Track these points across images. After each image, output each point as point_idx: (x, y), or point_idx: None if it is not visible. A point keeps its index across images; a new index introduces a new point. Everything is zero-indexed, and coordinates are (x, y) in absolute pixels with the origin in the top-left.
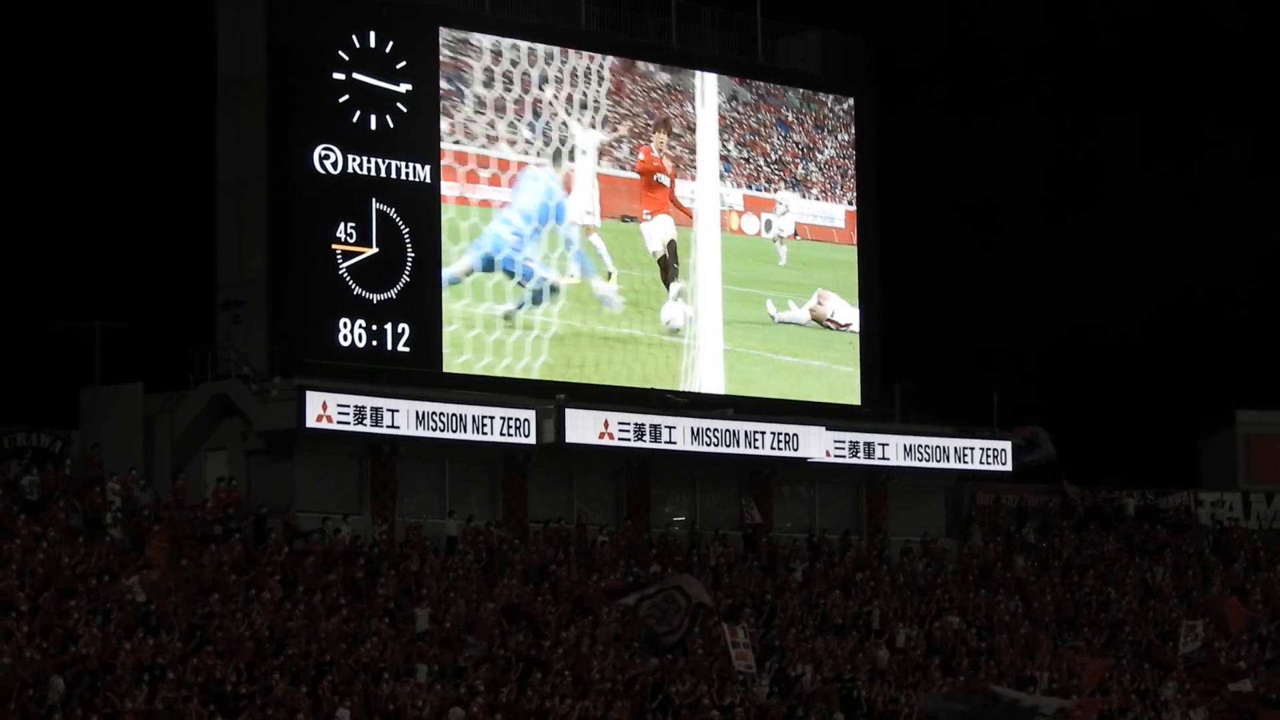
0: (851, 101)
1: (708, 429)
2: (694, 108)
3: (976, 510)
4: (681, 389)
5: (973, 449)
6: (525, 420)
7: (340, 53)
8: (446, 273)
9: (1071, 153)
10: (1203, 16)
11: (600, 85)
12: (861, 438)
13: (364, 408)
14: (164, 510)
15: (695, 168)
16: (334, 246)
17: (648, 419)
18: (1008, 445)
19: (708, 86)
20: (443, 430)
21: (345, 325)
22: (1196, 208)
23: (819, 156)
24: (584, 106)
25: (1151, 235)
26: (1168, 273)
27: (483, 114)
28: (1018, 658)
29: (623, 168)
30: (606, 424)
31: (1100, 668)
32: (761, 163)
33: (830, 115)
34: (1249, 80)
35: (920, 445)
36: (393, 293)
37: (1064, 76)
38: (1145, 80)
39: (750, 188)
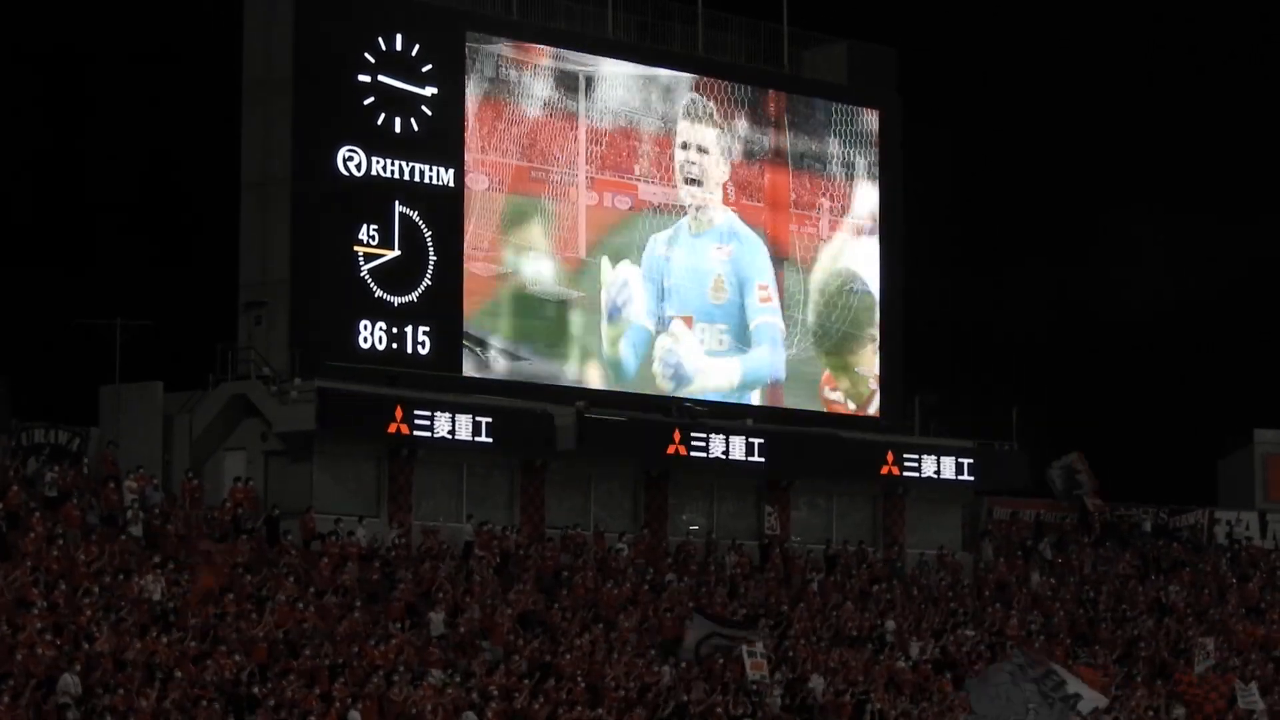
0: (877, 113)
1: (726, 438)
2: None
3: (993, 524)
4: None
5: (991, 463)
6: (545, 426)
7: (366, 55)
8: None
9: (1094, 167)
10: (1223, 22)
11: None
12: (880, 450)
13: (383, 410)
14: (177, 509)
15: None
16: (356, 248)
17: (667, 427)
18: (1026, 460)
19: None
20: (461, 434)
21: (366, 327)
22: (1218, 224)
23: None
24: None
25: (1173, 251)
26: (1188, 290)
27: None
28: None
29: None
30: (625, 431)
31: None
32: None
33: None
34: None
35: (938, 458)
36: (414, 296)
37: (1089, 88)
38: (1161, 97)
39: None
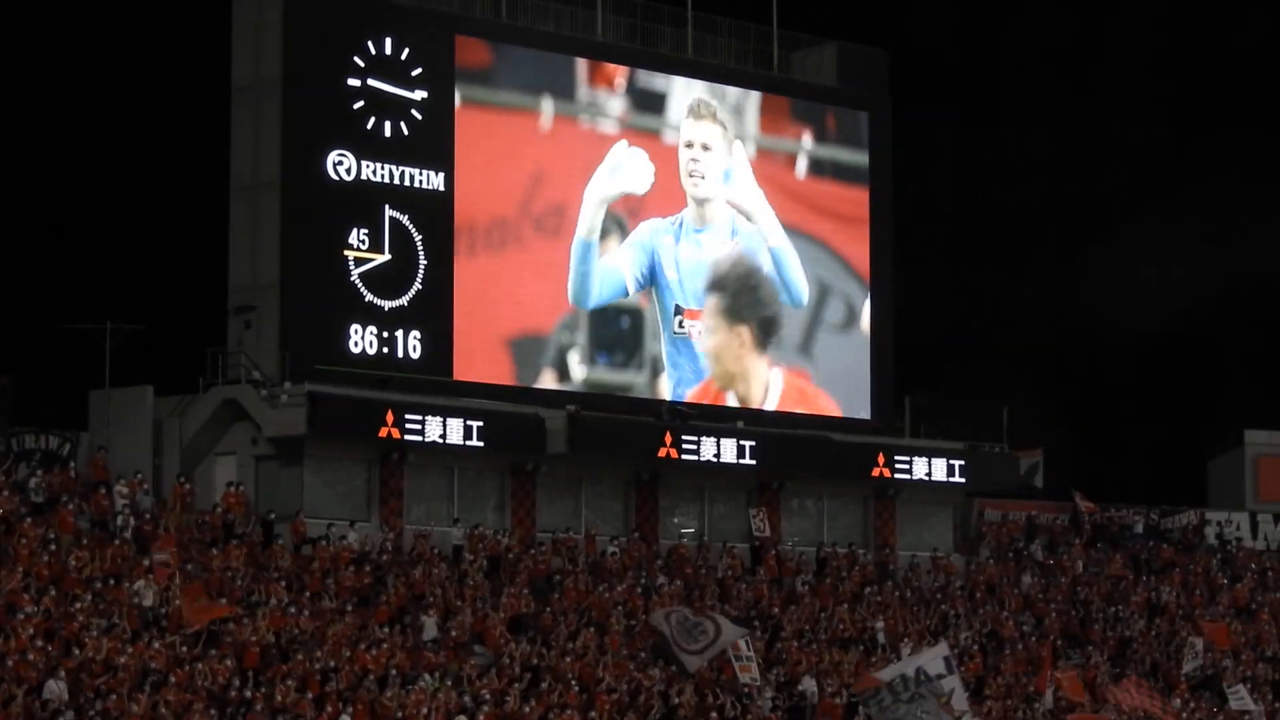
0: (866, 115)
1: (717, 440)
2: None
3: (984, 526)
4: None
5: (982, 464)
6: (535, 429)
7: (356, 58)
8: None
9: (1085, 169)
10: (1227, 23)
11: None
12: (871, 451)
13: (373, 414)
14: (168, 514)
15: None
16: (346, 252)
17: (658, 429)
18: (1017, 462)
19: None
20: (452, 438)
21: (356, 331)
22: (1208, 226)
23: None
24: None
25: (1164, 254)
26: (1178, 292)
27: None
28: (1022, 674)
29: None
30: (616, 434)
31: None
32: None
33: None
34: (1263, 96)
35: (929, 460)
36: (404, 300)
37: (1080, 89)
38: (1158, 98)
39: None
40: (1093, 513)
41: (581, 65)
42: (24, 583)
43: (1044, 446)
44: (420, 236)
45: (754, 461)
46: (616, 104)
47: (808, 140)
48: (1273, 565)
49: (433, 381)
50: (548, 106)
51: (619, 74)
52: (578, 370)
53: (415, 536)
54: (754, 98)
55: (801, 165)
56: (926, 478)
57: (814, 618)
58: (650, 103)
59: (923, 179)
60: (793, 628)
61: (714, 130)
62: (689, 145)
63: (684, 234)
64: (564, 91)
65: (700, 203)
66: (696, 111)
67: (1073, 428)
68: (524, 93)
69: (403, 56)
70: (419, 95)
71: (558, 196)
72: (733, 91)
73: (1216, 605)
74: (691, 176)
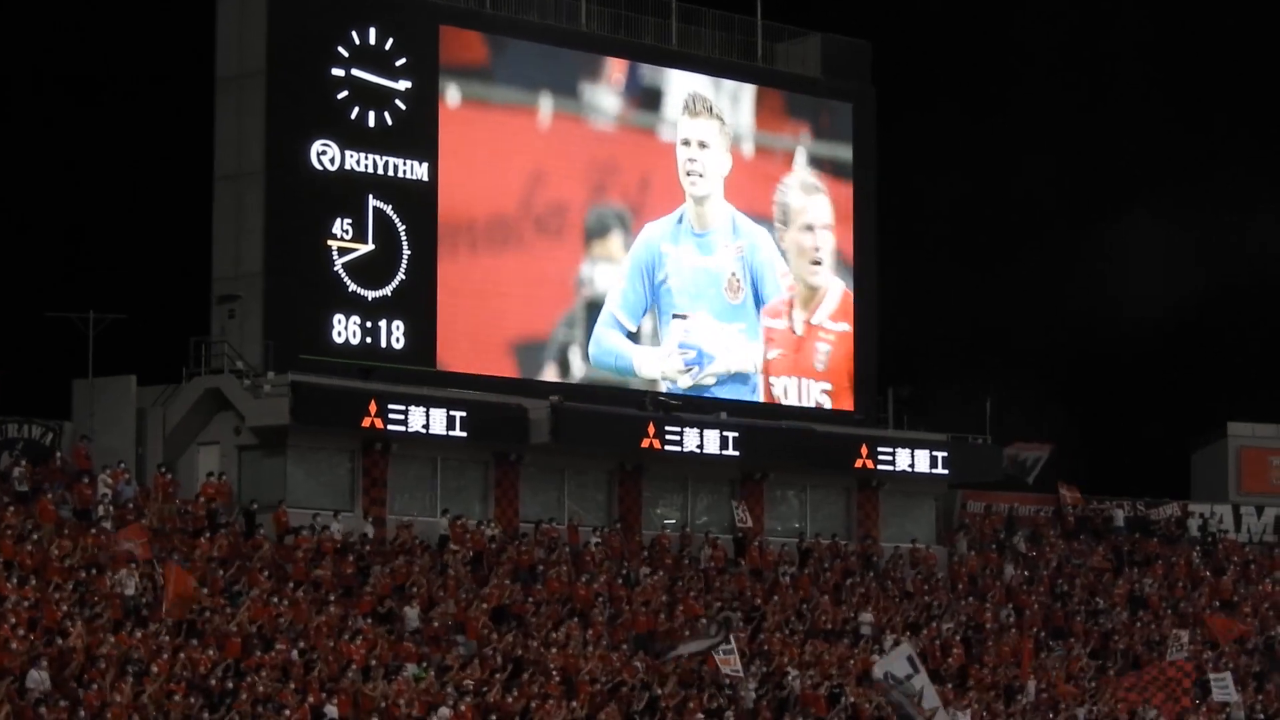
0: (850, 106)
1: (700, 431)
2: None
3: (967, 518)
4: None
5: (965, 456)
6: (519, 419)
7: (340, 48)
8: None
9: (1072, 164)
10: (1214, 23)
11: None
12: (854, 443)
13: (357, 404)
14: (150, 504)
15: None
16: (330, 243)
17: (641, 420)
18: (1000, 453)
19: None
20: (435, 428)
21: (340, 321)
22: (1192, 221)
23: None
24: None
25: (1149, 247)
26: (1162, 285)
27: None
28: (1004, 666)
29: None
30: (600, 424)
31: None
32: None
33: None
34: (1254, 93)
35: (913, 451)
36: (388, 290)
37: (1065, 85)
38: (1145, 93)
39: None
40: (1078, 504)
41: (580, 61)
42: (7, 572)
43: (1054, 444)
44: (404, 227)
45: (737, 453)
46: (615, 101)
47: (806, 137)
48: (1255, 557)
49: (416, 371)
50: (546, 104)
51: (619, 70)
52: (579, 368)
53: (398, 527)
54: (747, 94)
55: (800, 162)
56: (910, 469)
57: (796, 609)
58: (648, 99)
59: (907, 170)
60: (775, 619)
61: (711, 126)
62: (685, 143)
63: (682, 237)
64: (563, 88)
65: (699, 200)
66: (692, 108)
67: (1056, 420)
68: (522, 89)
69: (387, 47)
70: (403, 85)
71: (557, 195)
72: (727, 86)
73: (1200, 598)
74: (689, 175)
